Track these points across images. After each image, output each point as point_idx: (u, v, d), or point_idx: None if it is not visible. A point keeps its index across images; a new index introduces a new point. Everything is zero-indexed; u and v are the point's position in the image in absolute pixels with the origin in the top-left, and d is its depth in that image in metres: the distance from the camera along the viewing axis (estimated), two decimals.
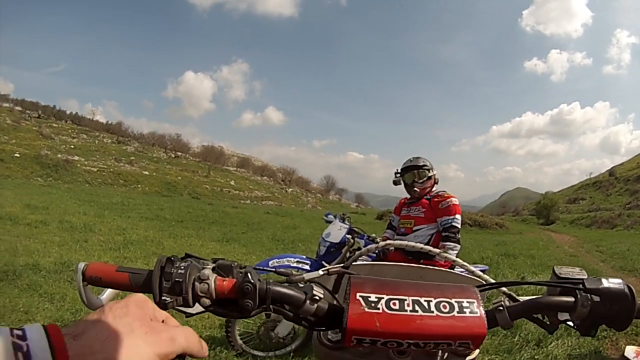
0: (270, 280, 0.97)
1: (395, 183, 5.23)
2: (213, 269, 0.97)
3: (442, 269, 1.47)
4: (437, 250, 1.26)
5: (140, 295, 0.74)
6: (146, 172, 57.93)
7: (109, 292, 1.09)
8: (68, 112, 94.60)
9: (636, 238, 26.50)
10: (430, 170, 5.06)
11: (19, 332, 0.56)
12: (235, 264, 1.00)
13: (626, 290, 0.98)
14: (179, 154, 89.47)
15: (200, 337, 0.74)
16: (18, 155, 44.95)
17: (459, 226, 4.71)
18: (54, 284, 6.86)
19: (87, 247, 10.86)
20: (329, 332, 1.10)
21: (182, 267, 0.91)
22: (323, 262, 4.82)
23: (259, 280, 0.94)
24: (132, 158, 67.52)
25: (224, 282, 0.94)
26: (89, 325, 0.61)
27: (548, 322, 1.08)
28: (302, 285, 1.02)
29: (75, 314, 5.60)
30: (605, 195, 71.04)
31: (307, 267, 4.77)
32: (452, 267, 4.12)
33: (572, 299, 1.00)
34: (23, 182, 35.58)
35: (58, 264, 8.11)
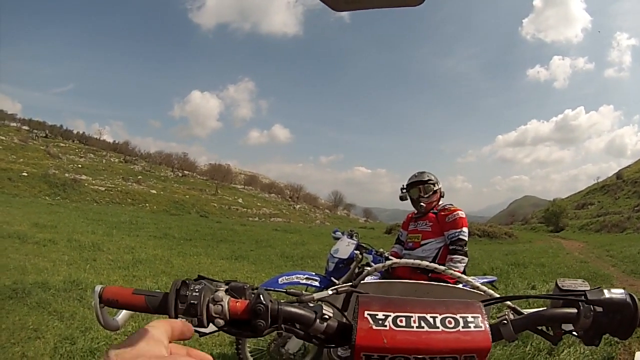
0: (282, 301, 1.00)
1: (402, 199, 5.25)
2: (226, 291, 1.00)
3: (448, 285, 1.49)
4: (442, 267, 1.28)
5: (149, 329, 0.75)
6: (154, 191, 57.87)
7: (124, 313, 1.12)
8: (75, 131, 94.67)
9: None
10: (436, 184, 5.09)
11: None
12: (248, 285, 1.03)
13: (628, 299, 1.00)
14: (186, 172, 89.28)
15: (211, 354, 0.76)
16: (26, 174, 44.99)
17: (466, 239, 4.71)
18: (64, 302, 6.89)
19: (96, 265, 10.90)
20: (339, 348, 1.13)
21: (197, 290, 0.94)
22: (332, 278, 4.82)
23: (270, 301, 0.97)
24: (139, 177, 67.52)
25: (237, 304, 0.97)
26: None
27: (552, 334, 1.10)
28: (312, 305, 1.05)
29: (84, 332, 5.62)
30: (614, 199, 70.48)
31: (316, 283, 4.78)
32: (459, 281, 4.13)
33: (575, 311, 1.03)
34: (31, 200, 35.60)
35: (67, 283, 8.13)
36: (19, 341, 5.20)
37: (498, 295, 1.19)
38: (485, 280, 5.32)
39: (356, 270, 4.77)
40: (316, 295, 1.10)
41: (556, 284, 1.13)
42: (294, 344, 4.54)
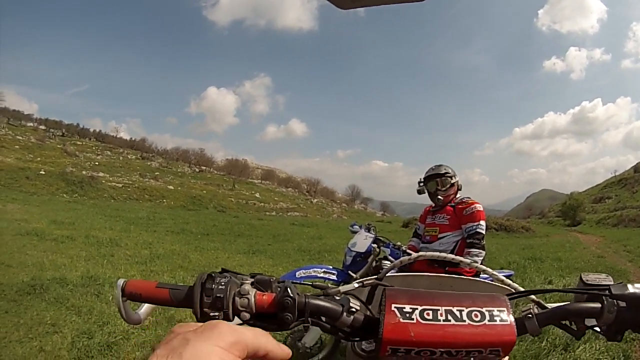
0: (308, 294, 1.00)
1: (419, 192, 5.22)
2: (252, 284, 0.99)
3: (473, 278, 1.48)
4: (468, 260, 1.27)
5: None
6: (171, 187, 58.09)
7: (146, 307, 1.12)
8: (92, 130, 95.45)
9: None
10: (453, 177, 5.05)
11: None
12: (274, 278, 1.02)
13: None
14: (203, 168, 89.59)
15: None
16: (43, 172, 45.23)
17: (484, 232, 4.68)
18: (81, 298, 6.96)
19: (114, 261, 10.98)
20: (363, 342, 1.12)
21: (223, 283, 0.94)
22: (349, 272, 4.81)
23: (297, 294, 0.96)
24: (156, 173, 67.85)
25: (264, 297, 0.96)
26: None
27: (575, 328, 1.09)
28: (338, 298, 1.04)
29: (102, 326, 5.67)
30: (631, 193, 70.09)
31: (333, 277, 4.77)
32: (477, 274, 4.12)
33: (599, 305, 1.01)
34: (49, 198, 35.87)
35: (85, 278, 8.21)
36: (37, 336, 5.27)
37: (522, 289, 1.18)
38: (502, 274, 5.29)
39: (374, 264, 4.76)
40: (342, 288, 1.08)
41: (580, 278, 1.12)
42: (310, 338, 4.55)
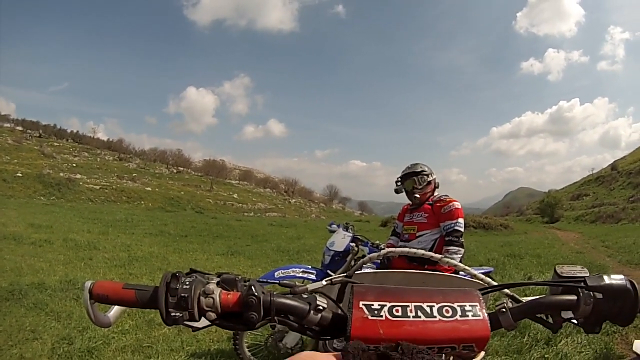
0: (274, 292, 0.98)
1: (397, 191, 5.19)
2: (217, 283, 0.98)
3: (444, 273, 1.48)
4: (439, 256, 1.27)
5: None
6: (149, 188, 57.86)
7: (116, 309, 1.10)
8: (69, 130, 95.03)
9: None
10: (430, 175, 5.02)
11: None
12: (240, 277, 1.01)
13: (628, 285, 0.99)
14: (181, 169, 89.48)
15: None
16: (20, 174, 44.91)
17: (462, 230, 4.66)
18: (60, 303, 6.87)
19: (92, 264, 10.89)
20: (335, 340, 1.11)
21: (187, 283, 0.92)
22: (328, 271, 4.80)
23: (262, 292, 0.95)
24: (134, 175, 67.57)
25: (229, 296, 0.95)
26: None
27: (552, 322, 1.08)
28: (305, 296, 1.03)
29: (82, 332, 5.58)
30: (609, 190, 70.93)
31: (312, 276, 4.75)
32: (457, 272, 4.12)
33: (575, 297, 1.02)
34: (26, 201, 35.57)
35: (63, 282, 8.11)
36: (17, 343, 5.20)
37: (496, 283, 1.17)
38: (482, 271, 5.28)
39: (352, 263, 4.75)
40: (310, 287, 1.08)
41: (555, 271, 1.12)
42: (291, 338, 4.54)
